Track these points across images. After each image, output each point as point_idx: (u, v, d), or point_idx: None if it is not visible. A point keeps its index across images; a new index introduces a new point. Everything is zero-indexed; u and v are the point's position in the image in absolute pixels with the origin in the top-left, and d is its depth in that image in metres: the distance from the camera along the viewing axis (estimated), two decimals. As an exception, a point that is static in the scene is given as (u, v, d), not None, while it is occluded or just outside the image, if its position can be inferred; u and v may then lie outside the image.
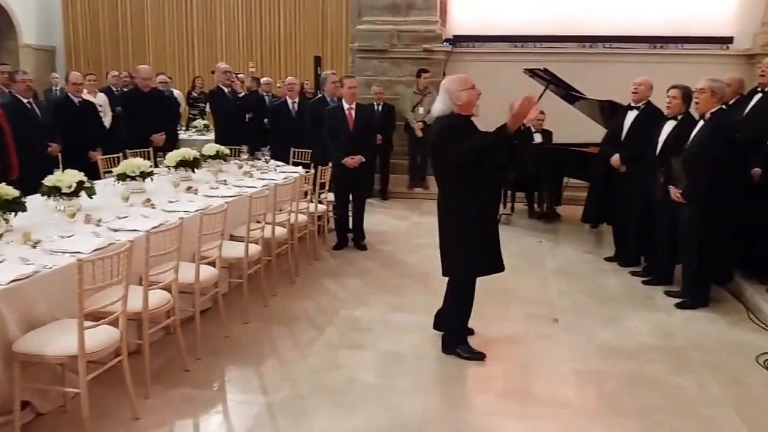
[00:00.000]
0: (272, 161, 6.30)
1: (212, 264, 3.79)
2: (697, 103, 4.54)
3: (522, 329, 4.18)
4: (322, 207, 6.00)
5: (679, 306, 4.56)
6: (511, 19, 8.94)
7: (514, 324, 4.26)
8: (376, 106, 8.27)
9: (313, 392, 3.25)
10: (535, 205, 7.75)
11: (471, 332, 3.90)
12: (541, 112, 7.36)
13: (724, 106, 4.83)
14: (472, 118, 3.53)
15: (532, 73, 6.98)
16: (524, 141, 7.05)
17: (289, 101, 7.30)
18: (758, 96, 5.22)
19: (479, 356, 3.66)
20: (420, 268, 5.33)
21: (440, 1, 8.99)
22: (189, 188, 4.79)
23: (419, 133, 8.34)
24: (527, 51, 8.80)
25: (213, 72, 8.27)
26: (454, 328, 3.75)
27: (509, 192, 7.69)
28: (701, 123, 4.52)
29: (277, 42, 12.62)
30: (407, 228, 7.07)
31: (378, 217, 7.39)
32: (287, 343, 3.86)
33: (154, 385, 3.17)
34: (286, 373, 3.46)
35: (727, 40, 8.56)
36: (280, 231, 4.87)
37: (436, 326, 3.95)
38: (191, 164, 5.27)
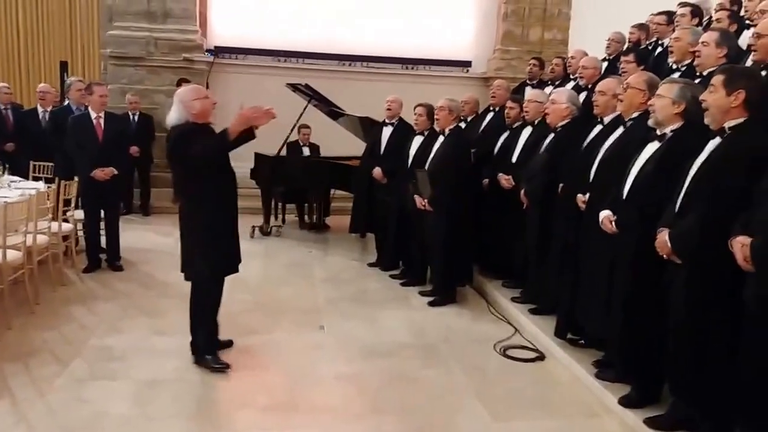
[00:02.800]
0: (6, 176, 5.56)
1: None
2: (437, 120, 5.04)
3: (289, 339, 4.19)
4: (68, 226, 5.44)
5: (431, 304, 4.97)
6: (274, 34, 9.04)
7: (281, 335, 4.27)
8: (131, 116, 7.77)
9: (54, 432, 2.91)
10: (306, 217, 7.91)
11: (230, 344, 3.90)
12: (307, 127, 7.57)
13: (462, 124, 5.43)
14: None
15: (294, 87, 7.13)
16: (294, 156, 7.31)
17: (40, 110, 6.66)
18: (491, 114, 5.94)
19: (225, 367, 3.64)
20: (184, 287, 5.01)
21: (200, 11, 8.75)
22: None
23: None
24: (290, 66, 8.98)
25: None
26: (202, 337, 3.68)
27: (280, 204, 7.76)
28: (441, 138, 5.01)
29: (16, 44, 11.14)
30: (171, 245, 6.68)
31: (138, 234, 6.91)
32: (23, 381, 3.40)
33: None
34: (20, 414, 3.04)
35: (466, 64, 9.62)
36: (14, 255, 4.29)
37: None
38: None
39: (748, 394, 2.49)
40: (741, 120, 2.70)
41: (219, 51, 8.96)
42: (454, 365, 3.88)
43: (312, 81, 7.38)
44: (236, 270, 3.75)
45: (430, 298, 5.03)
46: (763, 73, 3.23)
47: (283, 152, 7.22)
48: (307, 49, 9.11)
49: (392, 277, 5.67)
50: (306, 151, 7.68)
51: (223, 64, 8.93)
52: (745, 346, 2.50)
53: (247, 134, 3.56)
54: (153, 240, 6.87)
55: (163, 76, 8.46)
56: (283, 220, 7.81)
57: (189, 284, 3.68)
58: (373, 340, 4.23)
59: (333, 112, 7.25)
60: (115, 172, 5.39)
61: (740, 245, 2.43)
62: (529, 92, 5.02)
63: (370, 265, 6.08)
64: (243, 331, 4.17)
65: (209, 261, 3.55)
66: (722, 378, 2.66)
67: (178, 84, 8.11)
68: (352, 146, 7.17)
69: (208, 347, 3.68)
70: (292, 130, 7.20)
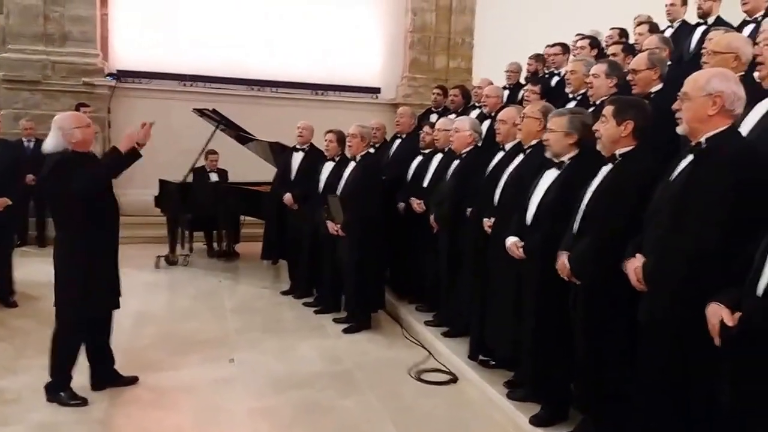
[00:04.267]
0: None
1: None
2: (350, 146, 5.10)
3: (197, 375, 4.04)
4: (-46, 261, 5.06)
5: (345, 331, 4.95)
6: (180, 57, 8.82)
7: (189, 371, 4.10)
8: (26, 143, 7.35)
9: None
10: (215, 245, 7.70)
11: (135, 380, 3.77)
12: (215, 152, 7.42)
13: (372, 149, 5.50)
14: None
15: (201, 113, 6.99)
16: (201, 182, 7.13)
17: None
18: (398, 141, 6.05)
19: (82, 402, 3.51)
20: (85, 322, 4.82)
21: (101, 34, 8.43)
22: None
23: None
24: (197, 91, 8.77)
25: None
26: (60, 372, 3.52)
27: (187, 232, 7.52)
28: (352, 164, 5.07)
29: None
30: (71, 278, 6.34)
31: (34, 267, 6.44)
32: None
33: None
34: None
35: (375, 90, 9.76)
36: None
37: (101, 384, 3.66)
38: None
39: (645, 409, 2.62)
40: (630, 147, 2.88)
41: (122, 75, 8.64)
42: (369, 393, 3.87)
43: (219, 106, 7.27)
44: (117, 306, 3.66)
45: (345, 325, 5.01)
46: (643, 102, 3.49)
47: (190, 178, 7.03)
48: (214, 73, 8.94)
49: (306, 304, 5.60)
50: (213, 177, 7.52)
51: (126, 89, 8.62)
52: (639, 364, 2.63)
53: (134, 154, 3.47)
54: (51, 273, 6.42)
55: (62, 100, 8.06)
56: (191, 249, 7.56)
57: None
58: (287, 371, 4.15)
59: (242, 137, 7.16)
60: (9, 202, 5.08)
61: (633, 267, 2.58)
62: (440, 121, 5.18)
63: (283, 293, 5.98)
64: (149, 367, 4.00)
65: (87, 298, 3.43)
66: (622, 394, 2.79)
67: (77, 108, 7.78)
68: (262, 171, 7.09)
69: (64, 382, 3.53)
70: (199, 156, 7.04)
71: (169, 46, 8.81)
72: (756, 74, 2.79)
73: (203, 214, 7.24)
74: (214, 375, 4.05)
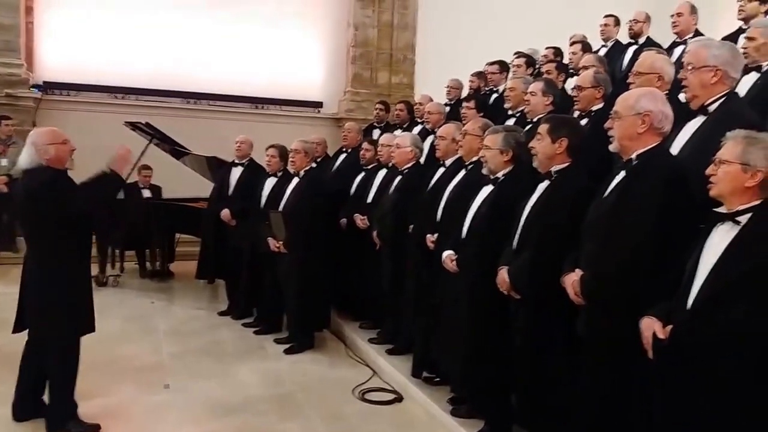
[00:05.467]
0: None
1: None
2: (293, 162, 5.01)
3: (130, 402, 3.85)
4: None
5: (287, 351, 4.81)
6: (111, 69, 8.46)
7: (121, 398, 3.90)
8: (-58, 158, 6.91)
9: None
10: (147, 264, 7.39)
11: None
12: (148, 168, 7.18)
13: (314, 164, 5.43)
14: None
15: (133, 126, 6.74)
16: (132, 198, 6.85)
17: None
18: (344, 155, 6.01)
19: (93, 429, 3.38)
20: (8, 349, 4.47)
21: (26, 44, 8.04)
22: None
23: (3, 188, 7.22)
24: (129, 103, 8.45)
25: None
26: (63, 401, 3.35)
27: (118, 251, 7.21)
28: (296, 179, 5.00)
29: None
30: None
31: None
32: None
33: None
34: None
35: (318, 105, 9.68)
36: None
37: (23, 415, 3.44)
38: None
39: (586, 423, 2.63)
40: (566, 164, 2.95)
41: (48, 86, 8.24)
42: (312, 415, 3.77)
43: (153, 119, 7.03)
44: (93, 329, 3.52)
45: (286, 346, 4.88)
46: (585, 120, 3.57)
47: (121, 195, 6.74)
48: (147, 85, 8.63)
49: (245, 325, 5.42)
50: (146, 193, 7.26)
51: (54, 101, 8.22)
52: (580, 377, 2.64)
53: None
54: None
55: (-18, 113, 7.63)
56: (122, 269, 7.26)
57: (18, 346, 3.39)
58: (225, 396, 4.00)
59: (177, 151, 6.95)
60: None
61: (571, 281, 2.61)
62: (383, 137, 5.19)
63: (221, 313, 5.79)
64: (78, 395, 3.68)
65: (74, 317, 3.33)
66: (564, 408, 2.80)
67: (-2, 122, 7.40)
68: (198, 187, 6.89)
69: (69, 411, 3.38)
70: (131, 171, 6.77)
71: (99, 56, 8.44)
72: (681, 96, 2.89)
73: (135, 231, 6.96)
74: (148, 402, 3.87)
